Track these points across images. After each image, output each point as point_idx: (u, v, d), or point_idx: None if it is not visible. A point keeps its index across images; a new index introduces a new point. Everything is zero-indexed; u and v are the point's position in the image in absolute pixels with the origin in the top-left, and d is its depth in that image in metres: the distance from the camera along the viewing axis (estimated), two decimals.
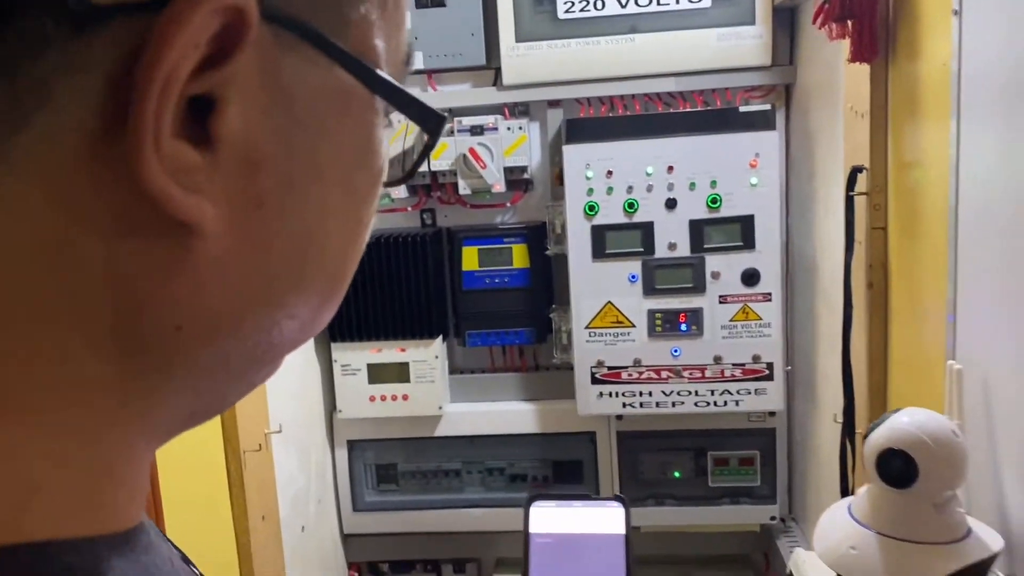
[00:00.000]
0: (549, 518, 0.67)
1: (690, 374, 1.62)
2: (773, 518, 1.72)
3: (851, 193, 1.15)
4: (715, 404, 1.62)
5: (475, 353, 1.86)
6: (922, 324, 1.07)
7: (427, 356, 1.75)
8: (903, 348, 1.14)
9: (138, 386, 0.26)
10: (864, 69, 1.14)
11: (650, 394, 1.64)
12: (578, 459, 1.80)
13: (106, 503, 0.26)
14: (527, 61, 1.66)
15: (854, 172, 1.15)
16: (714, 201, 1.56)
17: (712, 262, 1.58)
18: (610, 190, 1.59)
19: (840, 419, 1.21)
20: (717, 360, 1.61)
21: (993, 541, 0.79)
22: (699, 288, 1.59)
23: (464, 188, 1.70)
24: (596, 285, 1.62)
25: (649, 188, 1.58)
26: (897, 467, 0.77)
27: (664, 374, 1.63)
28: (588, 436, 1.78)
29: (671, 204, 1.58)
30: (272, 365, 0.32)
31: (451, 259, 1.78)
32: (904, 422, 0.79)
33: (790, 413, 1.73)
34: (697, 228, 1.58)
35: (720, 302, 1.59)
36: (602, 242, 1.61)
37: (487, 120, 1.68)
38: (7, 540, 0.23)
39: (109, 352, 0.25)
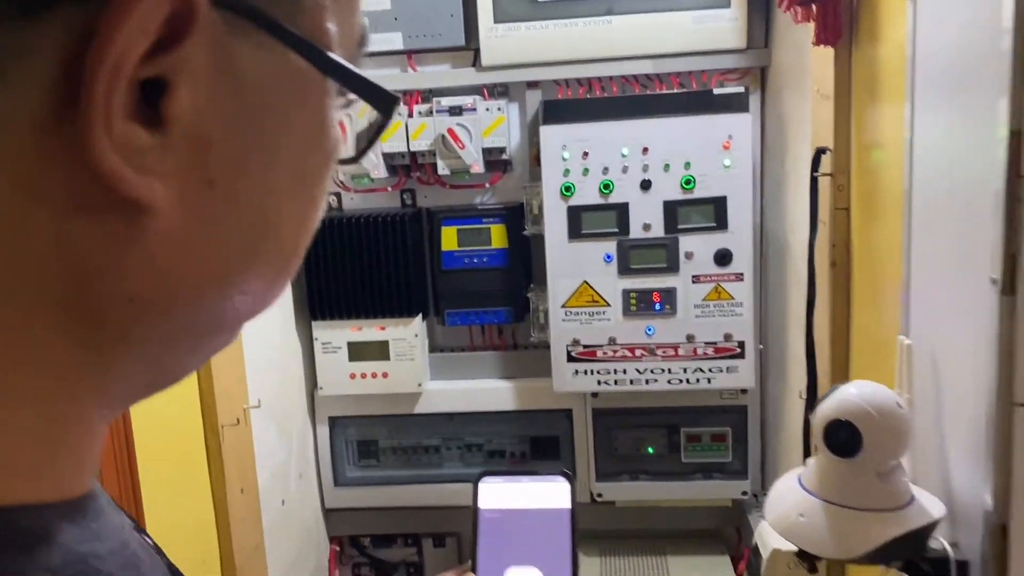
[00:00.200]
0: (497, 494, 0.68)
1: (663, 352, 1.65)
2: (744, 493, 1.76)
3: (815, 174, 1.18)
4: (688, 382, 1.66)
5: (454, 332, 1.89)
6: (881, 302, 1.10)
7: (407, 334, 1.77)
8: (864, 325, 1.17)
9: (93, 357, 0.28)
10: (829, 52, 1.17)
11: (624, 372, 1.67)
12: (555, 435, 1.83)
13: (59, 471, 0.28)
14: (506, 42, 1.68)
15: (818, 153, 1.18)
16: (688, 182, 1.59)
17: (686, 242, 1.61)
18: (586, 171, 1.62)
19: (804, 395, 1.24)
20: (690, 339, 1.64)
21: (935, 508, 0.82)
22: (673, 268, 1.62)
23: (443, 168, 1.72)
24: (572, 265, 1.64)
25: (624, 169, 1.61)
26: (843, 437, 0.80)
27: (638, 352, 1.66)
28: (565, 413, 1.81)
29: (646, 185, 1.60)
30: (229, 334, 0.33)
31: (431, 239, 1.80)
32: (852, 394, 0.82)
33: (763, 391, 1.77)
34: (671, 209, 1.60)
35: (693, 282, 1.62)
36: (578, 222, 1.63)
37: (466, 101, 1.69)
38: None
39: (64, 324, 0.26)
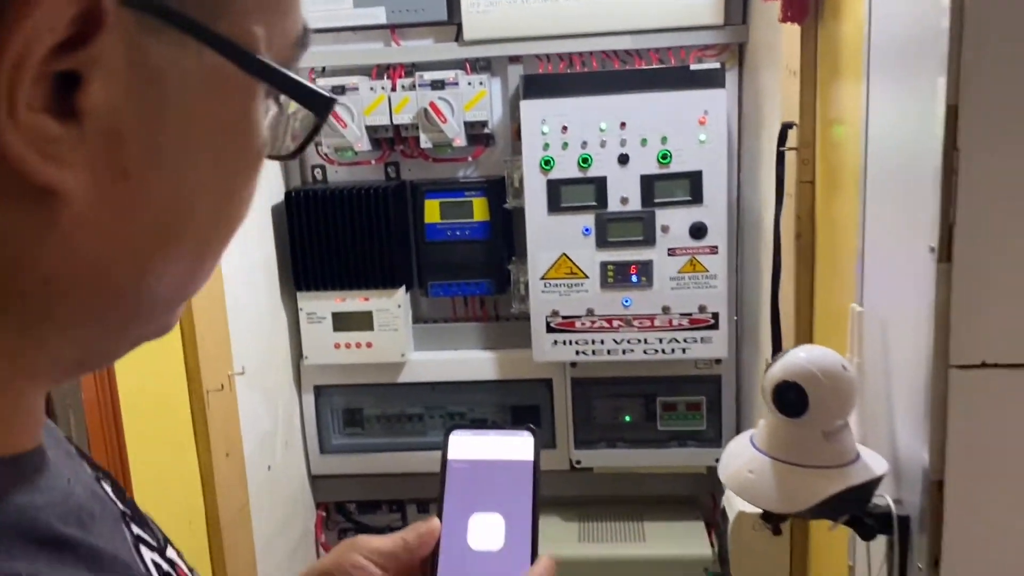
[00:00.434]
0: (466, 445, 0.71)
1: (640, 323, 1.69)
2: (718, 460, 1.81)
3: (781, 148, 1.21)
4: (663, 352, 1.70)
5: (438, 303, 1.92)
6: (841, 272, 1.14)
7: (390, 305, 1.81)
8: (826, 295, 1.21)
9: (18, 335, 0.30)
10: (797, 29, 1.20)
11: (602, 342, 1.71)
12: (535, 404, 1.88)
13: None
14: (488, 17, 1.70)
15: (784, 128, 1.21)
16: (664, 157, 1.62)
17: (662, 216, 1.64)
18: (565, 145, 1.65)
19: (769, 362, 1.29)
20: (666, 310, 1.68)
21: (878, 466, 0.87)
22: (649, 241, 1.66)
23: (426, 142, 1.75)
24: (551, 238, 1.68)
25: (603, 144, 1.64)
26: (790, 398, 0.84)
27: (615, 323, 1.70)
28: (544, 383, 1.86)
29: (623, 160, 1.64)
30: (157, 322, 0.35)
31: (414, 211, 1.83)
32: (800, 358, 0.86)
33: (738, 361, 1.81)
34: (648, 183, 1.64)
35: (669, 254, 1.66)
36: (557, 196, 1.66)
37: (448, 75, 1.72)
38: None
39: None
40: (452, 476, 0.68)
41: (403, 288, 1.82)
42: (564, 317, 1.71)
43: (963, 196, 0.75)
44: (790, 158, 1.23)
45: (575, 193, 1.66)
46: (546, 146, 1.65)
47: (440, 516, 0.66)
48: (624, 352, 1.71)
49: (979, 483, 0.80)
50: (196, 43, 0.29)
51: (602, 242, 1.67)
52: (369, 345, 1.83)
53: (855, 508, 0.88)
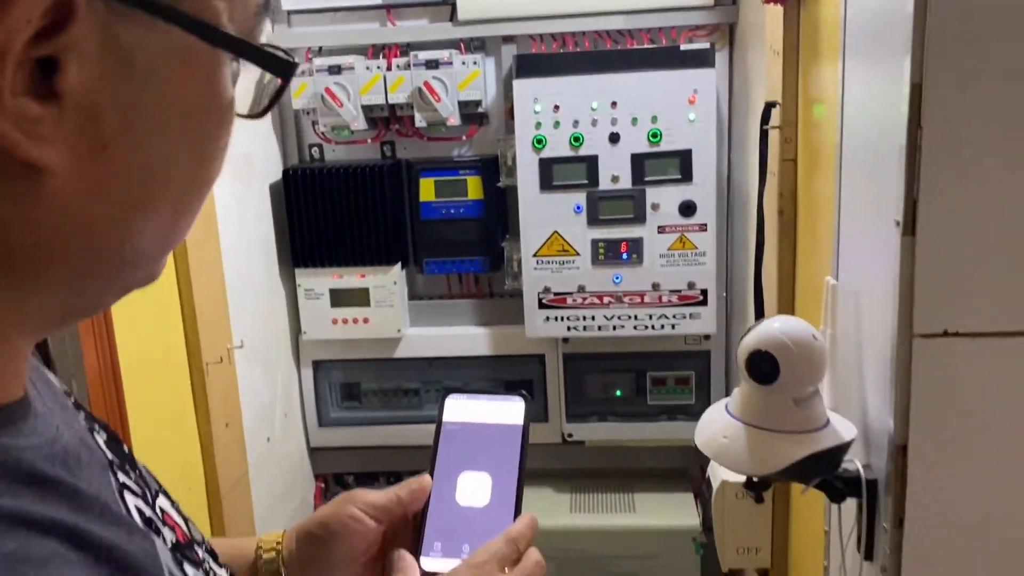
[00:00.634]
0: (460, 409, 0.74)
1: (630, 300, 1.73)
2: None
3: (765, 127, 1.24)
4: (653, 328, 1.74)
5: (433, 280, 1.96)
6: (820, 248, 1.17)
7: (386, 282, 1.85)
8: (806, 269, 1.25)
9: (10, 294, 0.33)
10: (780, 10, 1.22)
11: (593, 318, 1.75)
12: (528, 379, 1.92)
13: None
14: None
15: (767, 107, 1.24)
16: (654, 136, 1.65)
17: (652, 194, 1.68)
18: (557, 124, 1.67)
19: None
20: (655, 287, 1.71)
21: (847, 432, 0.91)
22: (640, 219, 1.69)
23: (420, 121, 1.78)
24: (543, 215, 1.71)
25: (594, 123, 1.67)
26: (762, 366, 0.88)
27: (606, 300, 1.74)
28: (537, 358, 1.89)
29: (614, 138, 1.66)
30: (143, 273, 0.38)
31: (409, 190, 1.86)
32: (773, 328, 0.89)
33: (727, 337, 1.85)
34: (638, 162, 1.67)
35: (659, 232, 1.69)
36: (549, 174, 1.69)
37: (442, 55, 1.74)
38: None
39: None
40: (445, 437, 0.72)
41: (399, 265, 1.86)
42: (556, 294, 1.75)
43: (926, 172, 0.78)
44: (773, 137, 1.27)
45: (567, 172, 1.69)
46: (538, 125, 1.68)
47: (432, 474, 0.70)
48: (615, 328, 1.75)
49: (940, 447, 0.84)
50: (163, 23, 0.32)
51: (593, 220, 1.70)
52: (366, 321, 1.87)
53: (825, 472, 0.91)
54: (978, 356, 0.81)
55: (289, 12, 1.83)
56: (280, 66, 0.37)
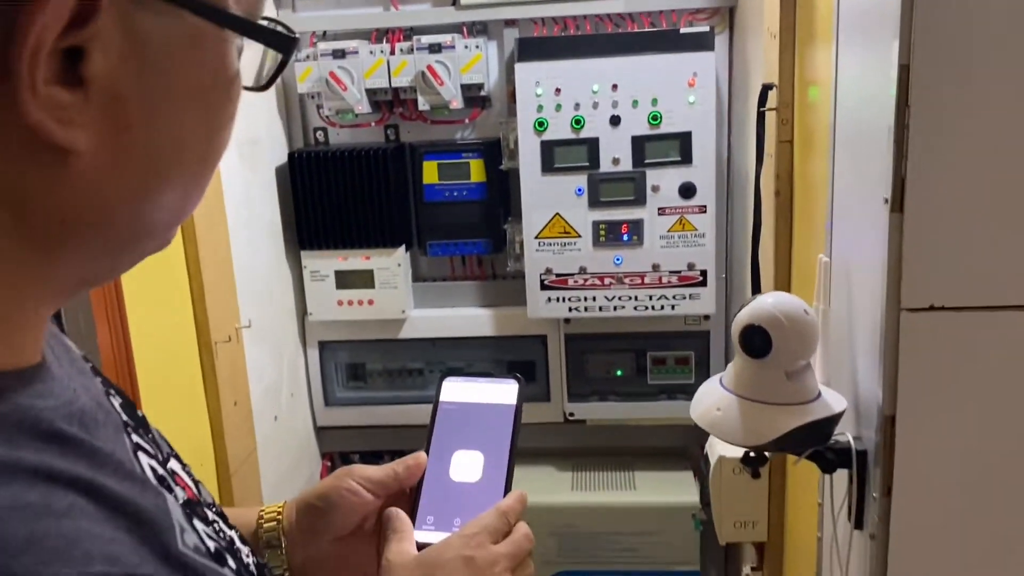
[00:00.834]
0: (457, 390, 0.76)
1: (631, 281, 1.75)
2: None
3: (762, 109, 1.27)
4: (653, 308, 1.76)
5: (437, 263, 1.99)
6: (815, 227, 1.19)
7: (390, 264, 1.87)
8: (802, 248, 1.27)
9: (35, 266, 0.36)
10: None
11: (594, 299, 1.78)
12: (531, 360, 1.95)
13: (6, 350, 0.36)
14: None
15: (764, 89, 1.26)
16: (655, 118, 1.67)
17: (652, 176, 1.70)
18: (559, 107, 1.70)
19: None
20: (655, 268, 1.74)
21: (837, 404, 0.93)
22: (640, 200, 1.71)
23: (424, 104, 1.80)
24: (545, 198, 1.74)
25: (595, 106, 1.69)
26: (755, 340, 0.90)
27: (607, 281, 1.76)
28: (539, 339, 1.92)
29: (615, 121, 1.68)
30: (157, 241, 0.42)
31: (413, 173, 1.89)
32: (766, 303, 0.92)
33: (727, 317, 1.88)
34: (639, 144, 1.69)
35: (659, 214, 1.71)
36: (551, 157, 1.72)
37: (445, 39, 1.76)
38: None
39: (12, 242, 0.35)
40: (441, 416, 0.74)
41: (403, 247, 1.88)
42: (557, 275, 1.77)
43: (914, 150, 0.80)
44: (770, 118, 1.29)
45: (568, 154, 1.71)
46: (540, 108, 1.70)
47: (427, 451, 0.73)
48: (615, 309, 1.78)
49: (927, 417, 0.87)
50: (176, 8, 0.35)
51: (594, 202, 1.72)
52: (371, 302, 1.90)
53: (816, 442, 0.94)
54: (963, 329, 0.84)
55: None
56: (282, 42, 0.40)
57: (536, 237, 1.76)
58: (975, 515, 0.88)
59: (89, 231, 0.37)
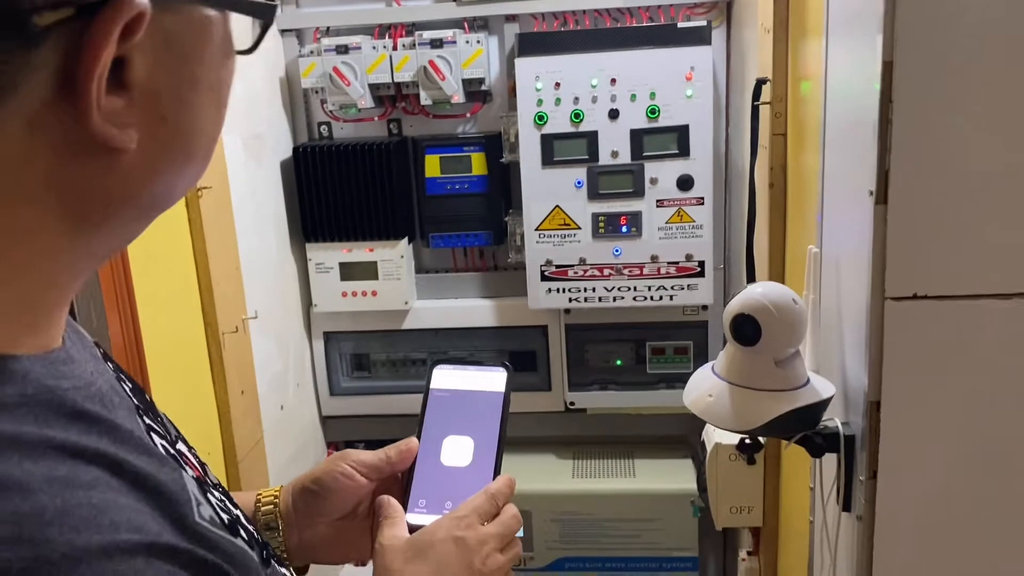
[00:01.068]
0: (447, 377, 0.78)
1: (630, 272, 1.78)
2: None
3: (756, 103, 1.29)
4: (652, 299, 1.79)
5: (439, 254, 2.02)
6: (806, 218, 1.22)
7: (394, 256, 1.91)
8: (795, 239, 1.30)
9: (75, 245, 0.40)
10: None
11: (594, 290, 1.81)
12: (532, 350, 1.98)
13: (34, 331, 0.40)
14: None
15: (759, 83, 1.28)
16: (653, 112, 1.70)
17: (650, 169, 1.72)
18: (558, 101, 1.72)
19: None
20: (654, 259, 1.77)
21: (825, 390, 0.96)
22: (639, 193, 1.74)
23: (426, 99, 1.83)
24: (545, 190, 1.76)
25: (594, 99, 1.71)
26: (745, 329, 0.93)
27: (606, 272, 1.79)
28: (540, 329, 1.96)
29: (614, 114, 1.71)
30: (169, 207, 0.46)
31: (415, 166, 1.92)
32: (756, 292, 0.95)
33: (725, 307, 1.90)
34: (637, 137, 1.71)
35: (657, 206, 1.74)
36: (551, 150, 1.74)
37: (446, 34, 1.79)
38: None
39: (59, 226, 0.39)
40: (432, 403, 0.77)
41: (406, 239, 1.92)
42: (558, 266, 1.80)
43: (897, 144, 0.83)
44: (764, 112, 1.31)
45: (568, 147, 1.74)
46: (540, 102, 1.72)
47: (419, 436, 0.75)
48: (615, 299, 1.80)
49: (911, 402, 0.90)
50: (188, 5, 0.40)
51: (593, 194, 1.75)
52: (375, 294, 1.93)
53: (805, 427, 0.97)
54: (945, 317, 0.87)
55: None
56: (266, 11, 0.44)
57: (536, 229, 1.79)
58: (958, 497, 0.91)
59: (126, 209, 0.41)
